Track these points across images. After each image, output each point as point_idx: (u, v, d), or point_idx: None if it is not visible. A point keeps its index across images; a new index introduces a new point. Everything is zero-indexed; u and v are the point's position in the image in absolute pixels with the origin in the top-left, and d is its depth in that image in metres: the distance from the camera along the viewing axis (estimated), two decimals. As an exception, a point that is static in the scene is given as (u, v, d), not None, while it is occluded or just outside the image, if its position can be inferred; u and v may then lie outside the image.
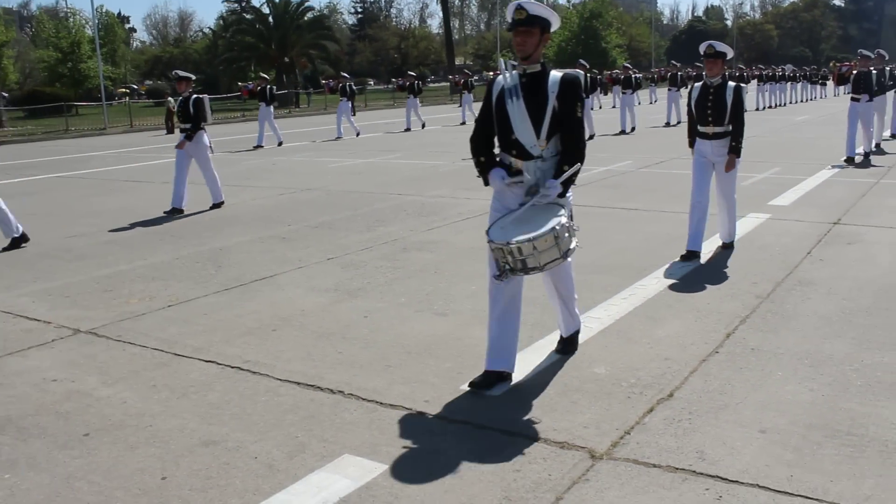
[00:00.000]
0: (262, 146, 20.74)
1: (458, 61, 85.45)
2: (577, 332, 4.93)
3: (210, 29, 67.26)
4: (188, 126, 10.88)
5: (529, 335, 5.16)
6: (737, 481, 3.32)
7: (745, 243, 7.78)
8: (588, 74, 23.98)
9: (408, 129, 25.66)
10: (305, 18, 57.53)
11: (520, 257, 4.01)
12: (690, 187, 7.34)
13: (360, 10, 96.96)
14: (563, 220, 4.07)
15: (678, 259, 7.12)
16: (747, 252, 7.42)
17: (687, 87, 36.98)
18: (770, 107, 33.90)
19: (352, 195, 11.62)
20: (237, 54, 55.10)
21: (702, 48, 7.02)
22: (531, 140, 4.28)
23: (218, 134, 22.83)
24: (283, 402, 4.28)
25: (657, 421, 3.90)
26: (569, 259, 4.25)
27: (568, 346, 4.86)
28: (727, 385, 4.32)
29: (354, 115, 25.11)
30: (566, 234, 4.10)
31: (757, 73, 35.41)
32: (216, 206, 10.98)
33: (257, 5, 60.39)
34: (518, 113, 4.27)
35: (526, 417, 3.98)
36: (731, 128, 7.07)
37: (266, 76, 23.89)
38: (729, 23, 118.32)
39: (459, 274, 6.84)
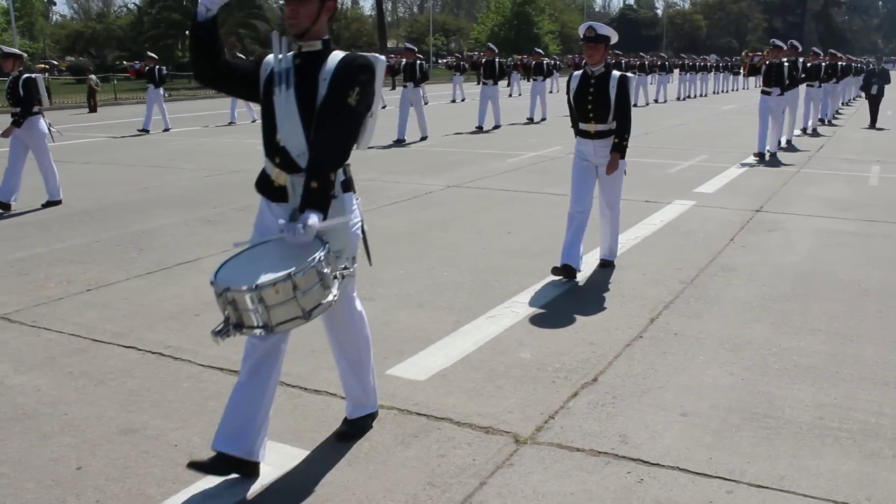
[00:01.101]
0: (148, 130, 19.15)
1: (391, 44, 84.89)
2: (371, 416, 3.69)
3: (135, 4, 65.34)
4: (17, 110, 9.43)
5: (456, 320, 5.16)
6: (658, 464, 3.38)
7: (670, 229, 7.92)
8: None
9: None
10: (235, -4, 56.39)
11: (236, 311, 2.92)
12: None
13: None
14: (317, 264, 2.91)
15: (551, 272, 6.10)
16: (673, 238, 7.55)
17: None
18: (691, 97, 34.31)
19: (280, 177, 11.43)
20: (163, 31, 53.65)
21: (581, 30, 6.09)
22: (299, 145, 3.15)
23: (138, 114, 22.15)
24: (205, 388, 4.19)
25: (581, 405, 3.94)
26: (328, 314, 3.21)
27: (354, 428, 3.63)
28: (650, 370, 4.39)
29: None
30: (316, 284, 2.92)
31: (679, 62, 35.88)
32: (51, 203, 9.55)
33: (185, -19, 58.96)
34: (285, 106, 3.16)
35: (451, 403, 3.97)
36: (615, 125, 6.10)
37: (154, 56, 21.54)
38: (659, 12, 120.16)
39: (387, 258, 6.78)
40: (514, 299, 5.56)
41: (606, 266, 6.47)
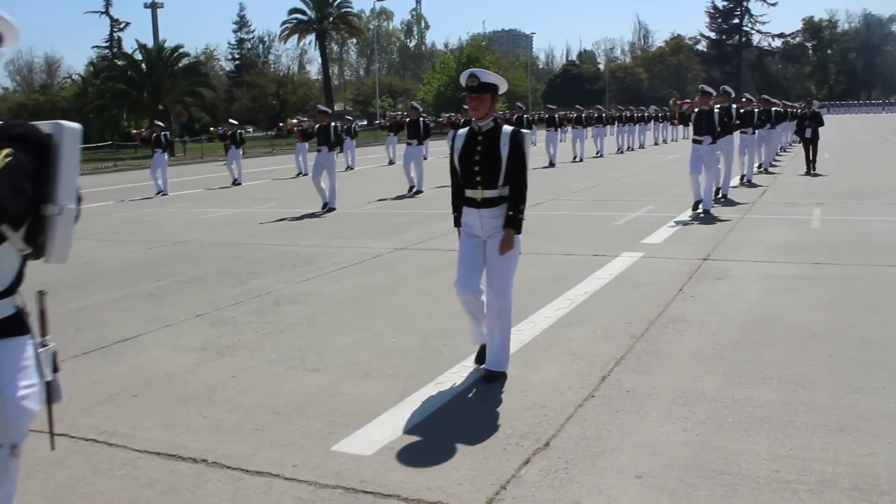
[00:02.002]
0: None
1: (338, 107, 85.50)
2: None
3: (79, 75, 65.05)
4: None
5: (403, 388, 5.02)
6: (613, 533, 3.25)
7: (619, 283, 7.89)
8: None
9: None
10: (180, 65, 56.40)
11: None
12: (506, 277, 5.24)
13: (237, 56, 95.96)
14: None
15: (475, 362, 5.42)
16: (622, 291, 7.51)
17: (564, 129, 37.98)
18: (631, 148, 34.45)
19: (225, 247, 11.26)
20: (108, 102, 53.38)
21: (462, 79, 5.11)
22: None
23: (90, 185, 21.95)
24: (140, 475, 3.97)
25: (533, 473, 3.81)
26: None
27: None
28: (603, 430, 4.28)
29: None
30: None
31: (617, 114, 36.08)
32: None
33: (129, 51, 58.98)
34: None
35: (399, 478, 3.81)
36: (507, 191, 5.06)
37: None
38: (601, 67, 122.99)
39: (333, 326, 6.65)
40: (463, 363, 5.44)
41: (492, 380, 5.06)
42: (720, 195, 14.59)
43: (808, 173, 19.31)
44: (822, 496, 3.51)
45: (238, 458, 4.11)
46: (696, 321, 6.37)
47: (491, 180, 5.01)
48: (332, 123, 16.01)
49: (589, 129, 31.94)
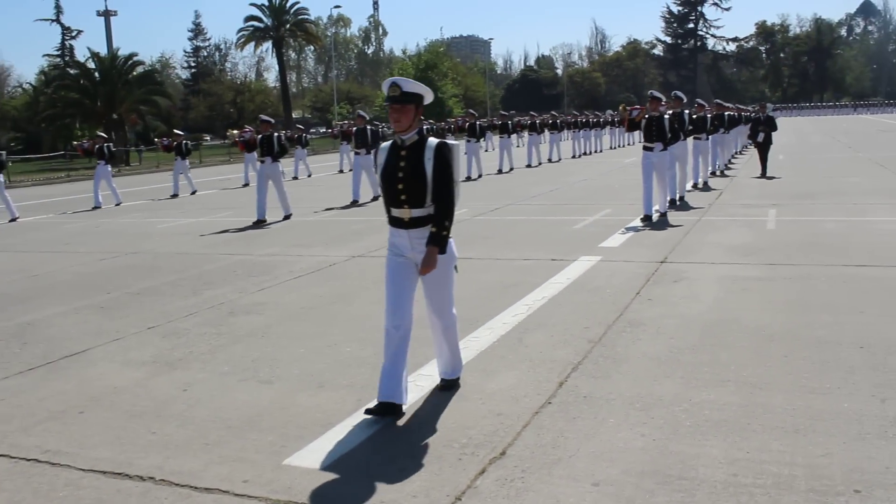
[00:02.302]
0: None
1: (297, 114, 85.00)
2: None
3: (30, 84, 63.89)
4: None
5: (358, 399, 4.93)
6: (570, 543, 3.19)
7: (577, 287, 7.86)
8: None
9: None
10: (134, 73, 55.57)
11: None
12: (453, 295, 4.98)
13: (193, 64, 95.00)
14: None
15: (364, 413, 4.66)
16: (579, 296, 7.48)
17: (520, 135, 37.93)
18: (587, 153, 34.27)
19: (179, 257, 11.06)
20: (60, 111, 52.40)
21: (385, 87, 4.62)
22: None
23: (41, 196, 21.51)
24: (84, 496, 3.83)
25: (489, 483, 3.74)
26: None
27: None
28: (560, 437, 4.23)
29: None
30: None
31: (573, 119, 35.74)
32: None
33: (82, 60, 58.02)
34: None
35: (352, 491, 3.72)
36: (433, 209, 4.64)
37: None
38: (559, 72, 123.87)
39: (288, 336, 6.53)
40: (419, 372, 5.36)
41: (448, 388, 5.00)
42: (676, 200, 14.29)
43: (761, 176, 19.29)
44: (778, 499, 3.49)
45: (187, 474, 3.99)
46: (653, 324, 6.35)
47: (417, 198, 4.60)
48: (276, 133, 15.54)
49: (544, 134, 31.94)
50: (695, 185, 17.21)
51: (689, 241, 10.30)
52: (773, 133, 20.05)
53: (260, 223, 14.51)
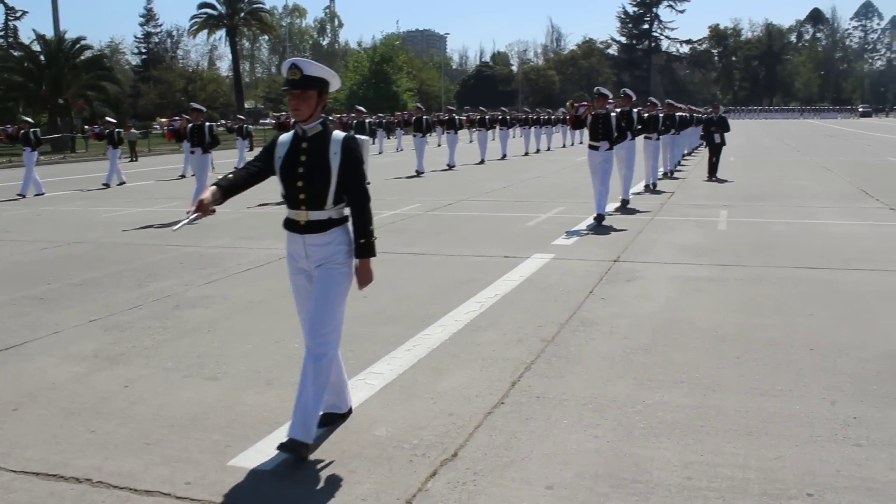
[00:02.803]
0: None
1: (249, 104, 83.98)
2: None
3: (-26, 67, 62.12)
4: None
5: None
6: (523, 549, 3.11)
7: (530, 285, 7.81)
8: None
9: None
10: (82, 57, 54.30)
11: None
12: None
13: (144, 50, 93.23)
14: None
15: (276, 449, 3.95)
16: (532, 294, 7.43)
17: (473, 130, 37.58)
18: (539, 151, 34.03)
19: (124, 248, 10.77)
20: (3, 94, 50.93)
21: (284, 69, 4.05)
22: None
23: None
24: (14, 500, 3.65)
25: (440, 486, 3.64)
26: None
27: None
28: (513, 439, 4.15)
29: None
30: None
31: (523, 116, 35.20)
32: None
33: (26, 41, 56.56)
34: None
35: (299, 493, 3.60)
36: (346, 211, 4.13)
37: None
38: (514, 68, 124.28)
39: (235, 331, 6.35)
40: (370, 370, 5.24)
41: (292, 451, 3.87)
42: (621, 201, 13.87)
43: (710, 178, 19.06)
44: (732, 503, 3.46)
45: (126, 475, 3.82)
46: (606, 324, 6.32)
47: (318, 199, 3.99)
48: (207, 123, 14.74)
49: (493, 130, 31.62)
50: (646, 186, 17.04)
51: (641, 241, 10.32)
52: (726, 134, 20.07)
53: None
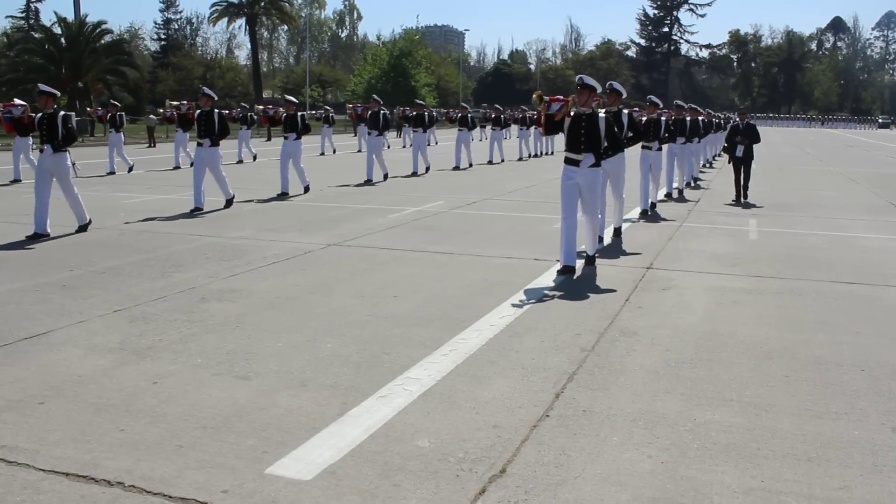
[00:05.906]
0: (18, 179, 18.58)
1: (267, 94, 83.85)
2: None
3: (-7, 47, 62.16)
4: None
5: (343, 401, 4.61)
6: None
7: (562, 290, 7.60)
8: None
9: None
10: (102, 42, 54.36)
11: None
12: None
13: (163, 36, 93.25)
14: None
15: None
16: (567, 299, 7.22)
17: (482, 128, 36.63)
18: (536, 155, 30.61)
19: (147, 235, 10.61)
20: (23, 75, 50.89)
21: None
22: None
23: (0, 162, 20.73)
24: (44, 501, 3.47)
25: (491, 505, 3.45)
26: None
27: None
28: (562, 455, 3.95)
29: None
30: None
31: (520, 115, 31.78)
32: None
33: (47, 24, 56.56)
34: None
35: (343, 509, 3.41)
36: None
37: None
38: (532, 67, 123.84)
39: (263, 327, 6.17)
40: (406, 374, 5.05)
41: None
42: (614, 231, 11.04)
43: (737, 202, 15.61)
44: (799, 536, 3.26)
45: (160, 480, 3.64)
46: (646, 334, 6.11)
47: None
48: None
49: (510, 129, 30.54)
50: (668, 195, 15.86)
51: (673, 247, 10.10)
52: (755, 146, 16.24)
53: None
